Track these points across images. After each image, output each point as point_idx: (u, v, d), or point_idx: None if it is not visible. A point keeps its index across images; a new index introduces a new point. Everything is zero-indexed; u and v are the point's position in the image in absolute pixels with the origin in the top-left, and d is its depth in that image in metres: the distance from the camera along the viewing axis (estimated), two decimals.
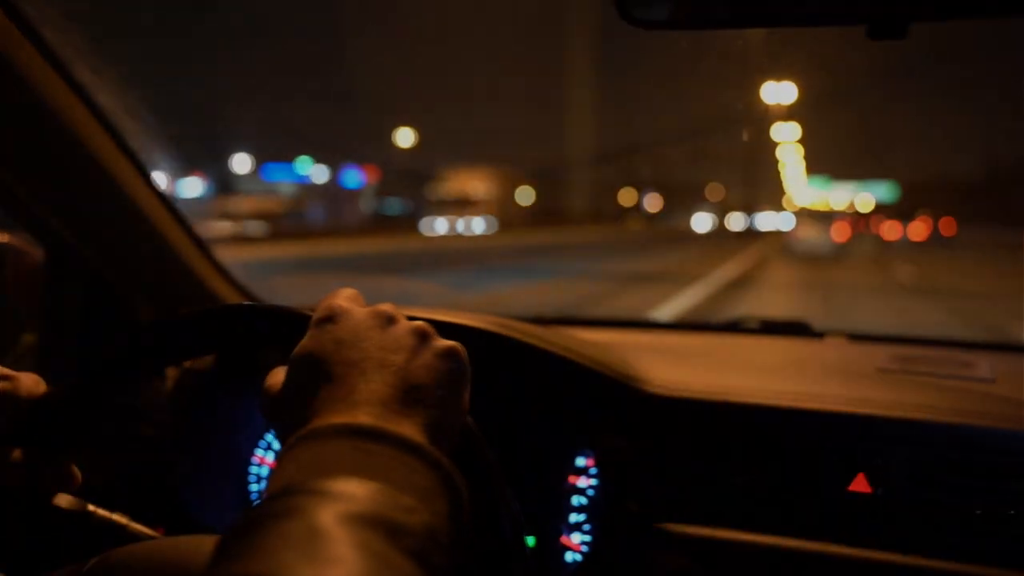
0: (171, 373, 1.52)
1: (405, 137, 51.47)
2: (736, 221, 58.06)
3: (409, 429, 0.66)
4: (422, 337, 0.73)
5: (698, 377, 1.41)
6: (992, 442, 1.20)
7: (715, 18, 0.99)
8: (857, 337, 1.90)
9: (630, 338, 1.77)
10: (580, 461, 1.36)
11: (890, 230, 35.27)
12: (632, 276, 17.66)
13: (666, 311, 11.62)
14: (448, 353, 0.73)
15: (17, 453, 0.83)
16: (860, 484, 1.22)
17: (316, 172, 50.25)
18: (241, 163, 49.17)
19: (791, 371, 1.54)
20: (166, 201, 1.54)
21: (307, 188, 49.47)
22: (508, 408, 1.36)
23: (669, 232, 44.46)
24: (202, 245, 1.65)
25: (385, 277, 15.64)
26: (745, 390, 1.35)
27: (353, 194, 50.49)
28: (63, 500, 0.88)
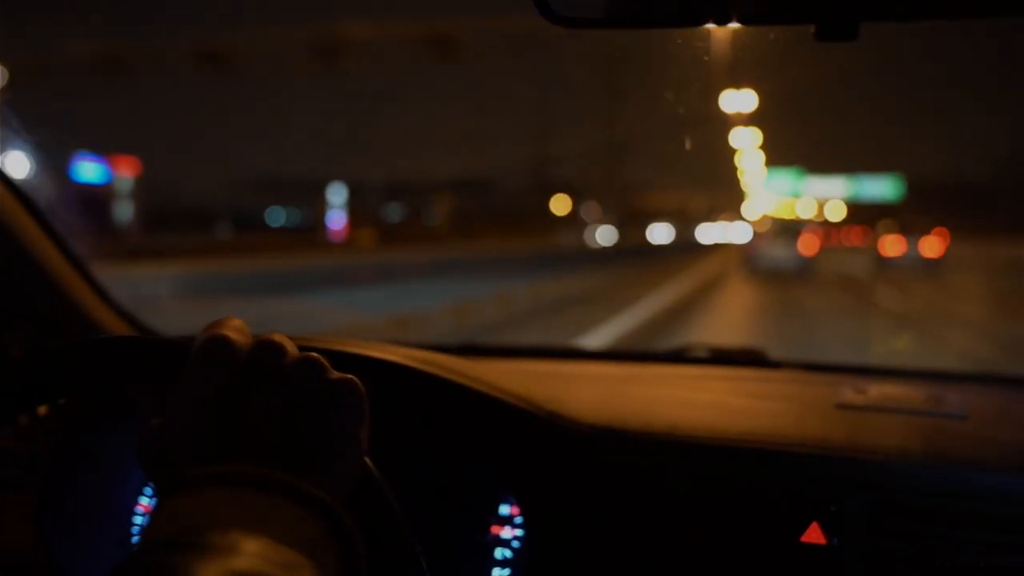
0: (42, 412, 1.47)
1: None
2: (661, 232, 50.74)
3: (297, 474, 0.64)
4: (314, 370, 0.71)
5: (636, 414, 1.39)
6: (962, 487, 1.19)
7: (650, 16, 0.97)
8: (816, 367, 1.91)
9: (562, 369, 1.75)
10: (504, 509, 1.33)
11: (893, 244, 29.50)
12: None
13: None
14: (343, 388, 0.71)
15: None
16: (814, 534, 1.20)
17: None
18: None
19: (740, 406, 1.53)
20: (39, 217, 1.50)
21: None
22: (418, 451, 1.32)
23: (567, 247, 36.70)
24: (81, 268, 1.59)
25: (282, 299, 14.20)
26: (687, 427, 1.33)
27: (96, 193, 36.33)
28: None
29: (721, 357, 1.99)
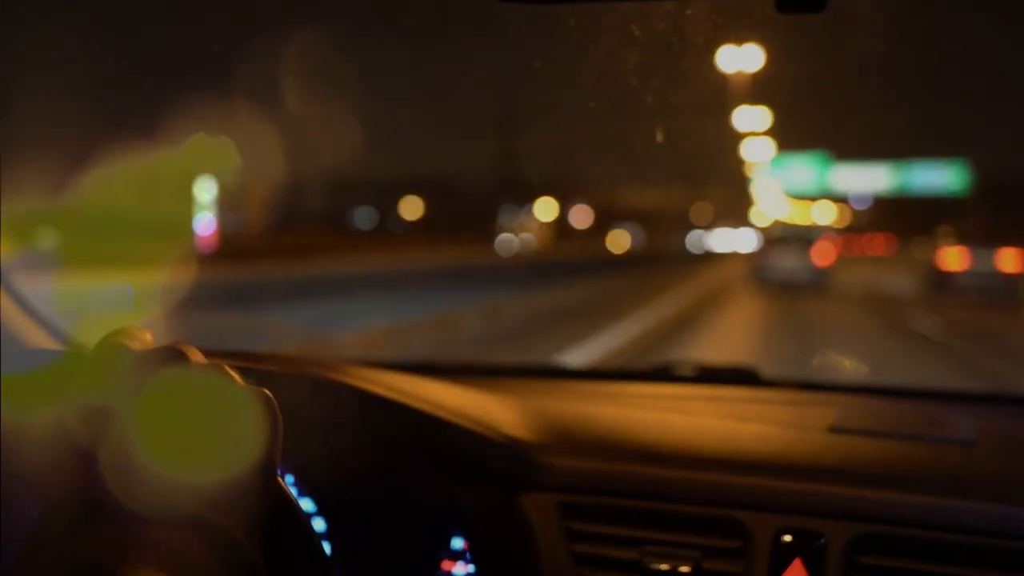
0: None
1: None
2: (627, 238, 47.07)
3: (191, 496, 0.61)
4: (220, 381, 0.68)
5: (605, 438, 1.35)
6: (963, 520, 1.14)
7: None
8: (811, 387, 1.87)
9: (533, 388, 1.71)
10: (457, 543, 1.28)
11: (956, 256, 22.60)
12: None
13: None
14: (253, 402, 0.68)
15: None
16: (796, 572, 1.15)
17: None
18: None
19: (724, 429, 1.49)
20: None
21: None
22: (360, 477, 1.27)
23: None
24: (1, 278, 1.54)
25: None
26: (661, 454, 1.29)
27: None
28: None
29: (708, 375, 1.94)
